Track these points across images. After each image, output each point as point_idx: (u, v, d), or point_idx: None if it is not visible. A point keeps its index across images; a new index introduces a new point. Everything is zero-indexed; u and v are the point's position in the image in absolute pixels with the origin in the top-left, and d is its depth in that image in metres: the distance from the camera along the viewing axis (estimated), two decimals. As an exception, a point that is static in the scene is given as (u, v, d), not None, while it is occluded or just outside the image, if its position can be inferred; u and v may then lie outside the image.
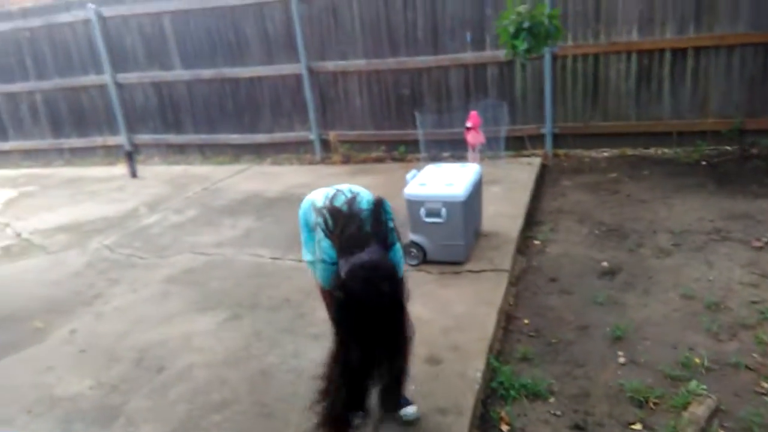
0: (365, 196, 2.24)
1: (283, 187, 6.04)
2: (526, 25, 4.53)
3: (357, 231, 2.03)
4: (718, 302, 3.23)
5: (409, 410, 2.45)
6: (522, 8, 4.53)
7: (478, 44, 6.34)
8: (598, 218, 4.58)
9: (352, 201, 2.13)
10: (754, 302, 3.20)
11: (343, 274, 1.95)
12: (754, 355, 2.78)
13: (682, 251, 3.89)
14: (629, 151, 6.15)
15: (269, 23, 7.06)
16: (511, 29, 4.58)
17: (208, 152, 7.92)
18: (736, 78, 5.74)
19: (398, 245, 2.23)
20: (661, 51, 5.87)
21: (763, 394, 2.53)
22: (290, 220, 4.97)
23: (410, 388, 2.63)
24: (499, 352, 3.03)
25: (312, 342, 3.10)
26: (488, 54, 6.28)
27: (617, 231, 4.31)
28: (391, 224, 2.19)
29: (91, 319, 3.61)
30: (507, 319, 3.33)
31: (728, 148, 5.81)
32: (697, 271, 3.62)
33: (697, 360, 2.77)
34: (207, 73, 7.46)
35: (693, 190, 4.92)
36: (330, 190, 2.30)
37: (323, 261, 2.13)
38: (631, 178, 5.40)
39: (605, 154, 6.23)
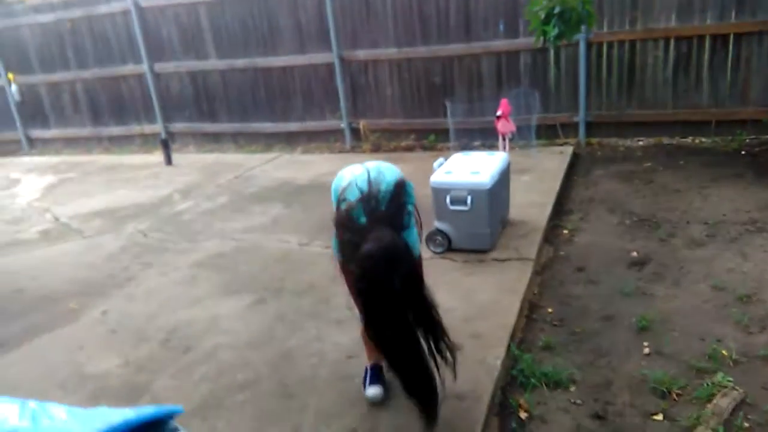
0: (389, 175, 2.22)
1: (313, 175, 6.10)
2: (557, 10, 4.44)
3: (372, 210, 2.03)
4: (750, 294, 3.13)
5: None
6: (552, -6, 4.44)
7: (511, 32, 6.25)
8: (630, 208, 4.48)
9: (372, 181, 2.13)
10: (789, 295, 3.09)
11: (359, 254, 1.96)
12: (787, 348, 2.69)
13: (715, 242, 3.78)
14: (665, 140, 5.99)
15: (302, 12, 7.10)
16: (542, 15, 4.50)
17: (241, 141, 8.04)
18: (780, 65, 5.52)
19: (414, 229, 2.23)
20: (701, 37, 5.68)
21: (793, 388, 2.45)
22: (318, 207, 5.04)
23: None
24: (521, 340, 3.00)
25: (335, 327, 3.13)
26: (521, 41, 6.19)
27: (649, 221, 4.21)
28: (410, 207, 2.18)
29: (123, 301, 3.72)
30: (531, 308, 3.30)
31: (770, 137, 5.60)
32: (731, 262, 3.51)
33: (725, 352, 2.70)
34: (241, 62, 7.56)
35: (730, 180, 4.76)
36: (357, 167, 2.30)
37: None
38: (666, 168, 5.26)
39: (640, 143, 6.08)
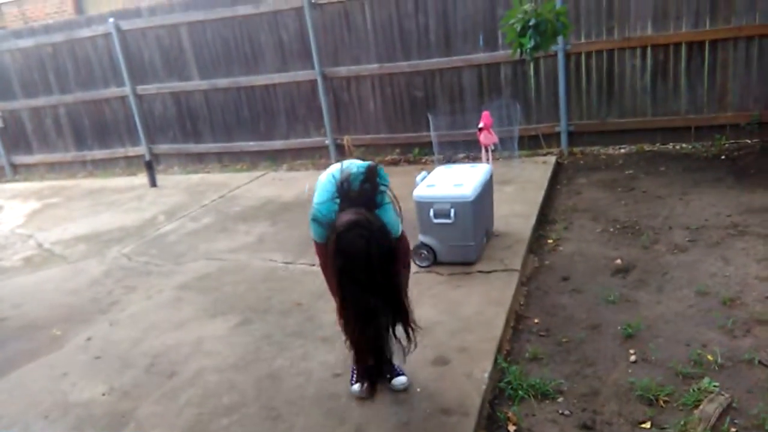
0: (361, 164, 2.37)
1: (298, 192, 6.09)
2: (532, 22, 4.50)
3: (345, 192, 2.20)
4: (733, 298, 3.16)
5: (400, 380, 2.66)
6: (528, 6, 4.50)
7: (491, 44, 6.32)
8: (613, 216, 4.51)
9: (344, 168, 2.32)
10: (770, 297, 3.12)
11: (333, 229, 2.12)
12: (770, 351, 2.71)
13: (698, 247, 3.81)
14: (646, 147, 6.05)
15: (283, 31, 7.14)
16: (518, 27, 4.55)
17: (225, 160, 8.03)
18: (755, 70, 5.61)
19: (390, 208, 2.34)
20: (677, 45, 5.77)
21: (777, 391, 2.46)
22: (303, 224, 5.00)
23: (415, 390, 2.64)
24: (508, 352, 3.00)
25: (321, 345, 3.11)
26: (501, 54, 6.25)
27: (632, 228, 4.24)
28: (383, 188, 2.29)
29: (107, 327, 3.68)
30: (517, 319, 3.30)
31: (748, 141, 5.68)
32: (713, 266, 3.54)
33: (710, 357, 2.71)
34: (223, 82, 7.57)
35: (711, 185, 4.81)
36: (334, 166, 2.47)
37: (315, 219, 2.33)
38: (647, 175, 5.31)
39: (622, 150, 6.14)
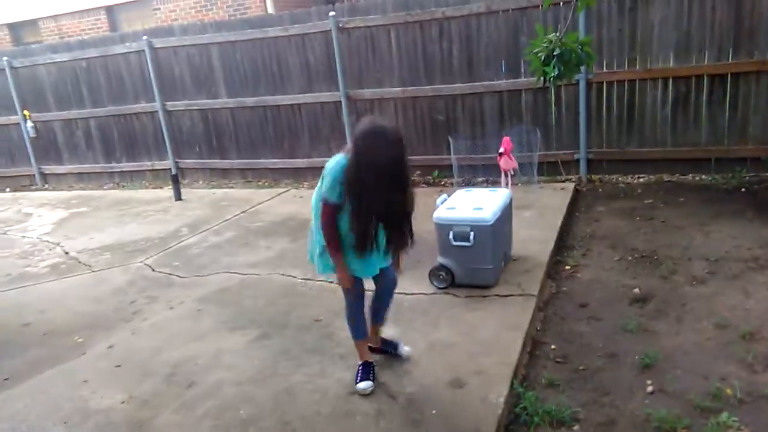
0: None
1: (318, 210, 6.17)
2: (556, 52, 4.57)
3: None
4: (753, 332, 3.14)
5: (405, 349, 3.10)
6: (552, 36, 4.57)
7: (513, 71, 6.39)
8: (632, 244, 4.51)
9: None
10: (791, 332, 3.09)
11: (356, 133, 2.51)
12: (790, 386, 2.69)
13: (717, 279, 3.80)
14: (666, 177, 6.05)
15: (310, 53, 7.30)
16: (542, 56, 4.62)
17: (249, 176, 8.17)
18: (779, 103, 5.61)
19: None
20: (699, 77, 5.79)
21: (797, 427, 2.44)
22: (323, 242, 5.10)
23: (431, 412, 2.66)
24: (524, 377, 3.01)
25: (338, 362, 3.15)
26: (522, 81, 6.32)
27: (650, 257, 4.23)
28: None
29: (129, 335, 3.76)
30: (534, 344, 3.31)
31: (769, 175, 5.65)
32: (733, 299, 3.52)
33: (729, 391, 2.70)
34: (250, 100, 7.73)
35: (731, 217, 4.79)
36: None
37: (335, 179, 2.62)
38: (666, 204, 5.30)
39: (641, 180, 6.14)
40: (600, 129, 6.26)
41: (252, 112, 7.82)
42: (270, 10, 10.56)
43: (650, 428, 2.53)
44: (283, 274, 4.49)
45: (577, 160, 6.37)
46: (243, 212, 6.47)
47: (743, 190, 5.47)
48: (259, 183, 7.95)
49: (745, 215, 4.81)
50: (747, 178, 5.70)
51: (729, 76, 5.69)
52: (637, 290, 3.78)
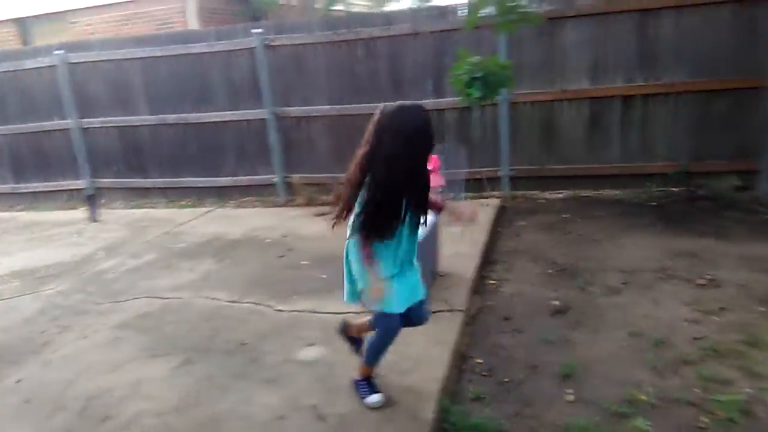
0: None
1: (245, 229, 6.05)
2: (479, 74, 4.74)
3: None
4: (663, 339, 3.33)
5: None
6: (474, 59, 4.75)
7: (438, 91, 6.56)
8: (551, 258, 4.69)
9: None
10: (696, 338, 3.30)
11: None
12: (696, 390, 2.86)
13: (630, 289, 4.01)
14: (583, 193, 6.37)
15: (236, 70, 7.20)
16: (466, 78, 4.79)
17: (171, 195, 7.90)
18: (682, 123, 6.04)
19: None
20: (611, 98, 6.16)
21: (703, 428, 2.59)
22: (251, 262, 5.00)
23: None
24: (452, 392, 3.05)
25: (265, 387, 3.07)
26: (448, 100, 6.49)
27: (569, 270, 4.42)
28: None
29: (39, 368, 3.51)
30: (461, 359, 3.36)
31: (675, 189, 6.06)
32: (645, 308, 3.72)
33: (643, 397, 2.84)
34: (173, 117, 7.51)
35: (642, 230, 5.09)
36: None
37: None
38: (583, 219, 5.57)
39: (560, 195, 6.43)
40: (521, 147, 6.52)
41: (175, 129, 7.59)
42: (193, 26, 10.36)
43: (572, 437, 2.62)
44: (207, 297, 4.35)
45: (501, 177, 6.59)
46: (165, 233, 6.24)
47: (653, 204, 5.84)
48: (182, 202, 7.71)
49: (656, 228, 5.13)
50: (656, 193, 6.08)
51: (639, 97, 6.09)
52: (557, 302, 3.93)
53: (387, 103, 2.52)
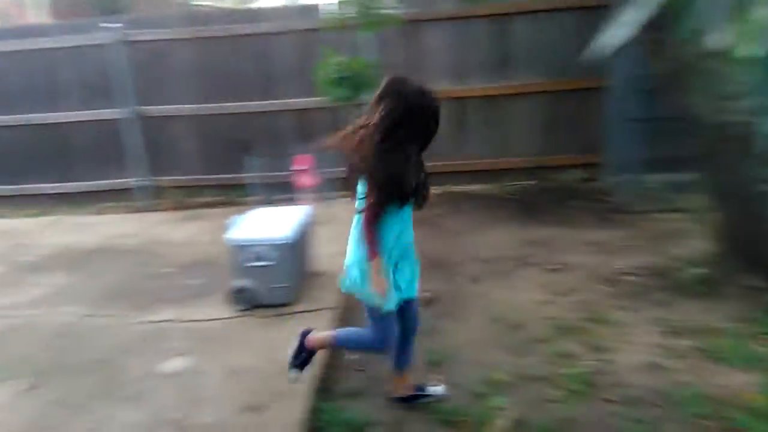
0: None
1: (102, 238, 5.63)
2: (347, 74, 4.81)
3: None
4: (519, 322, 3.58)
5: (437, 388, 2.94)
6: (339, 59, 4.80)
7: (308, 90, 6.53)
8: (422, 250, 4.82)
9: None
10: (547, 318, 3.59)
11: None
12: (547, 366, 3.11)
13: (491, 278, 4.27)
14: (453, 188, 6.67)
15: (90, 67, 6.67)
16: (334, 77, 4.83)
17: (18, 203, 7.14)
18: (536, 121, 6.54)
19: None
20: (471, 98, 6.51)
21: (552, 401, 2.82)
22: (108, 273, 4.66)
23: (228, 439, 2.56)
24: (325, 390, 3.05)
25: (125, 405, 2.88)
26: (317, 99, 6.47)
27: (438, 262, 4.61)
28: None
29: None
30: (334, 356, 3.37)
31: (529, 183, 6.56)
32: (504, 294, 3.98)
33: (501, 376, 3.03)
34: (17, 118, 6.81)
35: (502, 221, 5.45)
36: None
37: None
38: (452, 213, 5.84)
39: (433, 191, 6.66)
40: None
41: (20, 131, 6.90)
42: (34, 19, 9.45)
43: (438, 421, 2.73)
44: (59, 314, 3.99)
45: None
46: (9, 246, 5.63)
47: (511, 197, 6.26)
48: (30, 211, 6.99)
49: (514, 219, 5.51)
50: (513, 186, 6.54)
51: (497, 97, 6.50)
52: (427, 293, 4.08)
53: (397, 77, 2.46)
